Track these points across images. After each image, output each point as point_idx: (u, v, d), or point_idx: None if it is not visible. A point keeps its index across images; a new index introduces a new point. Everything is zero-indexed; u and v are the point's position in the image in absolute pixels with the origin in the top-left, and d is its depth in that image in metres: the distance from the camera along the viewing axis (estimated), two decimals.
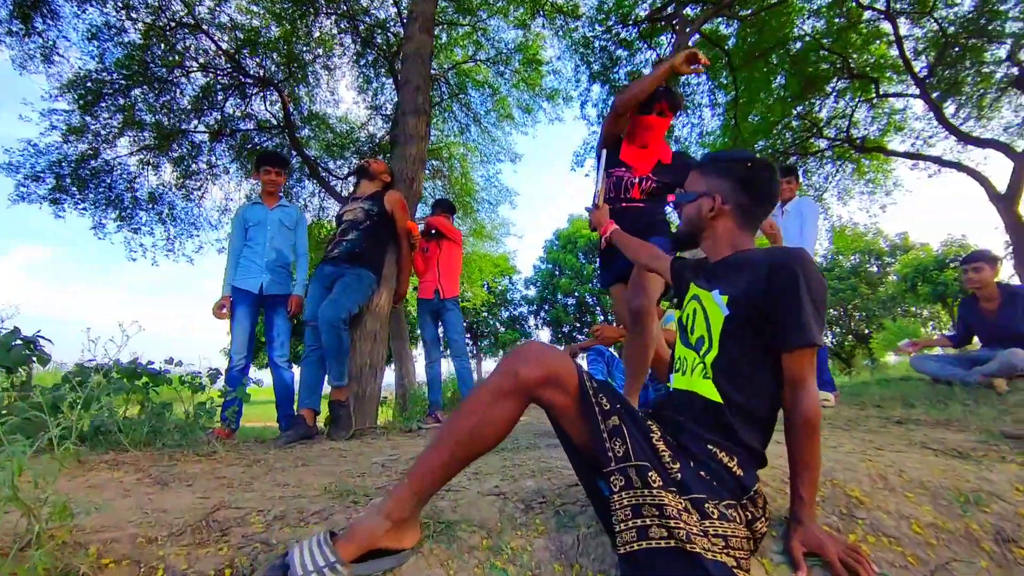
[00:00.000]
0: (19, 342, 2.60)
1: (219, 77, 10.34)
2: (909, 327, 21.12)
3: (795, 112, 10.87)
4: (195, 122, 10.43)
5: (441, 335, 3.73)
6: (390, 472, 1.83)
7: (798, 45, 9.38)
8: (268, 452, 2.39)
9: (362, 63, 11.29)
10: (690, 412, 1.19)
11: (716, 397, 1.15)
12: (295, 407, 3.24)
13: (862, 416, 2.79)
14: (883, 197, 11.41)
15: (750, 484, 1.10)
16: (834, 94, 10.70)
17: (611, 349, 2.96)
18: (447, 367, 3.91)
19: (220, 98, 10.48)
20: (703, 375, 1.18)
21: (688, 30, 5.59)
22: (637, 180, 2.29)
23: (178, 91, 10.06)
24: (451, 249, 3.76)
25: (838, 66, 9.42)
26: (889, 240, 26.13)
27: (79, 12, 8.38)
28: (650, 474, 1.01)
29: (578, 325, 24.11)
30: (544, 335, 25.10)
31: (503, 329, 25.34)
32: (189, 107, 10.19)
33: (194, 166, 10.79)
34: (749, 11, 8.47)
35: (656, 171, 2.32)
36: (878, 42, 9.80)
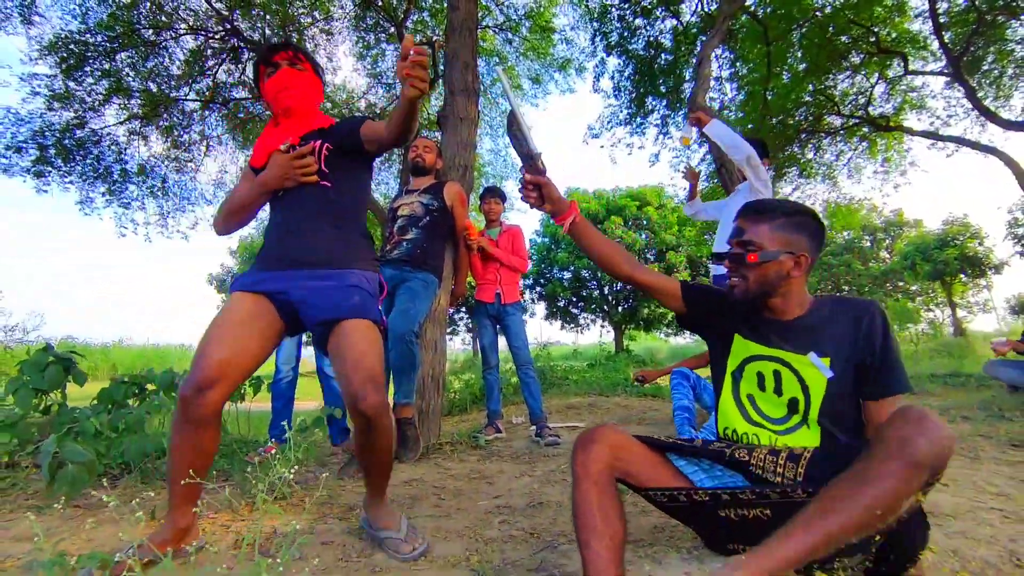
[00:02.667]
0: (52, 360, 2.30)
1: (211, 40, 9.67)
2: (907, 307, 21.31)
3: (809, 88, 10.57)
4: (186, 89, 9.81)
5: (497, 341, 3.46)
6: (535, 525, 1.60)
7: (820, 16, 8.99)
8: (344, 488, 2.15)
9: (361, 27, 10.64)
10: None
11: (816, 442, 1.18)
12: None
13: (964, 434, 2.62)
14: (897, 176, 11.28)
15: None
16: (849, 70, 10.41)
17: (696, 371, 2.74)
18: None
19: (212, 64, 9.84)
20: (790, 432, 1.21)
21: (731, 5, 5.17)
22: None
23: (167, 55, 9.41)
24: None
25: (868, 40, 9.08)
26: (884, 216, 26.22)
27: None
28: None
29: (574, 299, 23.95)
30: (540, 308, 24.95)
31: None
32: (179, 73, 9.56)
33: (185, 136, 10.20)
34: None
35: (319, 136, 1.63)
36: (897, 16, 9.49)
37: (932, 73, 9.79)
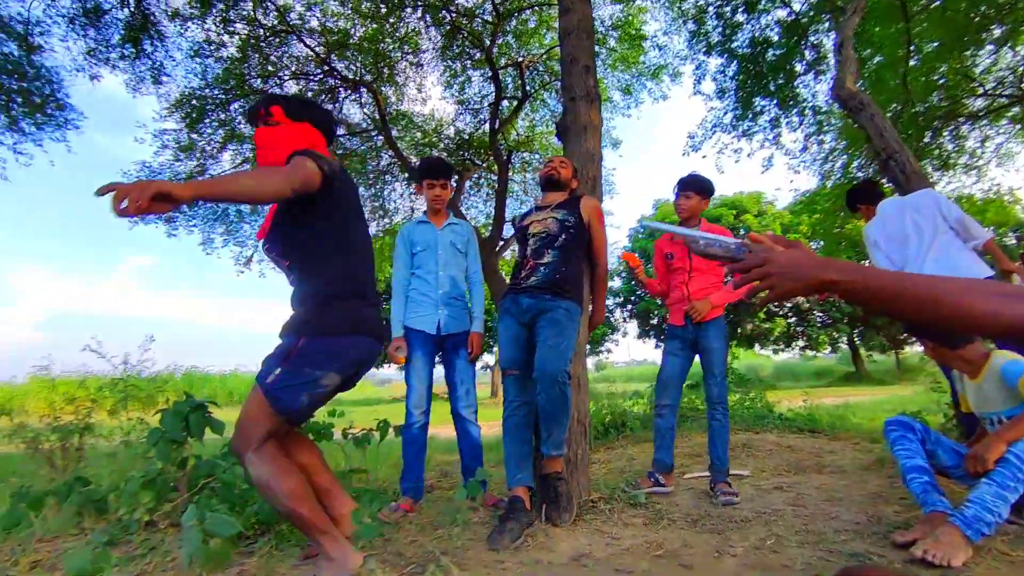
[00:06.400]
0: (191, 409, 2.16)
1: (311, 83, 10.20)
2: None
3: (942, 69, 9.30)
4: None
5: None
6: None
7: None
8: (501, 560, 1.79)
9: (448, 55, 10.79)
10: None
11: None
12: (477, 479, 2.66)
13: None
14: None
15: None
16: (992, 44, 9.04)
17: (921, 422, 2.12)
18: None
19: None
20: None
21: None
22: None
23: None
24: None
25: (1018, 6, 7.83)
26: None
27: (182, 31, 8.38)
28: None
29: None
30: (632, 327, 24.02)
31: None
32: None
33: None
34: None
35: None
36: None
37: None
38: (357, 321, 1.64)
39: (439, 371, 2.74)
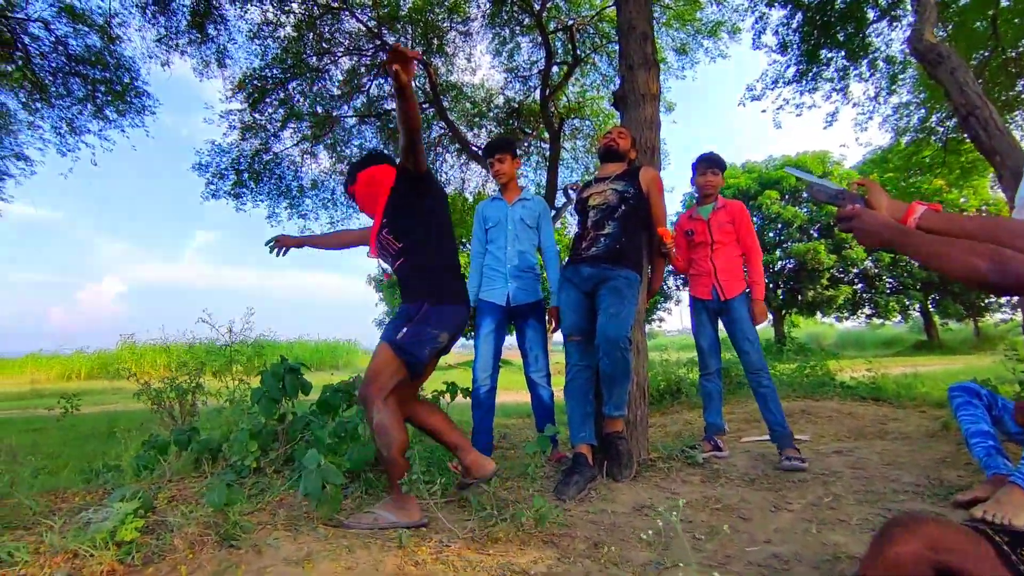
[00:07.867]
0: (286, 371, 2.43)
1: (364, 58, 10.37)
2: None
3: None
4: (345, 107, 10.66)
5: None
6: None
7: None
8: (571, 515, 1.96)
9: (497, 23, 10.67)
10: None
11: None
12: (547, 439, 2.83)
13: None
14: None
15: None
16: None
17: (986, 387, 2.10)
18: None
19: (365, 80, 10.55)
20: None
21: None
22: None
23: (329, 79, 10.30)
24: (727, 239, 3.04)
25: None
26: None
27: (242, 14, 8.67)
28: None
29: None
30: (685, 295, 23.58)
31: None
32: (339, 93, 10.40)
33: (347, 151, 11.10)
34: None
35: None
36: None
37: None
38: (460, 292, 2.02)
39: (511, 340, 2.93)
